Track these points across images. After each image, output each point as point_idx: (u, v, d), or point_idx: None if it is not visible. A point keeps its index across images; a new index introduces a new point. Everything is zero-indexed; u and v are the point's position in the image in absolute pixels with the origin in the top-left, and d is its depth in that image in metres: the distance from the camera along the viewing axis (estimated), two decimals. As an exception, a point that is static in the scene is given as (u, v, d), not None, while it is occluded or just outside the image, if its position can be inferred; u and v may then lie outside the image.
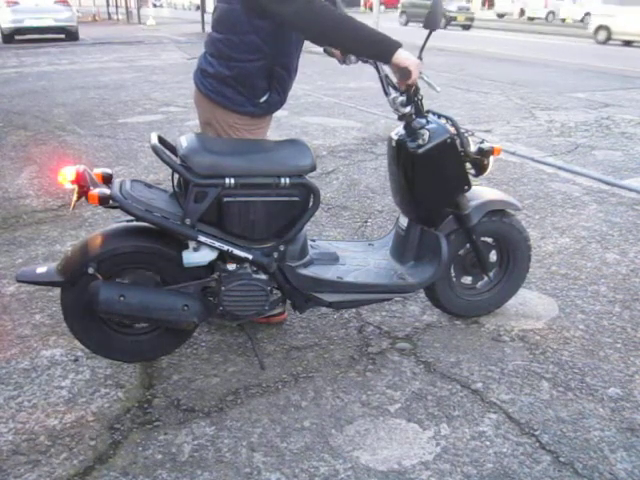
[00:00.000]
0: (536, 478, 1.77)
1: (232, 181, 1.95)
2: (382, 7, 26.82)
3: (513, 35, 19.92)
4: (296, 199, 2.06)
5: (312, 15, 1.93)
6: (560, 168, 4.78)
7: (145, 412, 2.04)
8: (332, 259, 2.33)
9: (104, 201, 1.91)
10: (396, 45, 1.98)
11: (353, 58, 2.30)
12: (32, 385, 2.15)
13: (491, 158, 2.29)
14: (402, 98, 2.13)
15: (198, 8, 27.44)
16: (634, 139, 5.73)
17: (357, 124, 6.21)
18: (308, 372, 2.25)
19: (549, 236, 3.50)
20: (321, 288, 2.20)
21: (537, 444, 1.91)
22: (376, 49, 2.01)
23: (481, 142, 2.30)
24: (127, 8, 25.10)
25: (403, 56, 1.97)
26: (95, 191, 1.90)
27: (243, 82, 2.14)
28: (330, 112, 6.82)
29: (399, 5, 27.13)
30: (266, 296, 2.11)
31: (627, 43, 17.38)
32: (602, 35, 17.73)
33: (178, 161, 2.02)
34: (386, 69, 2.17)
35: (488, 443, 1.91)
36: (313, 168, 2.07)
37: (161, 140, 2.07)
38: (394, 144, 2.29)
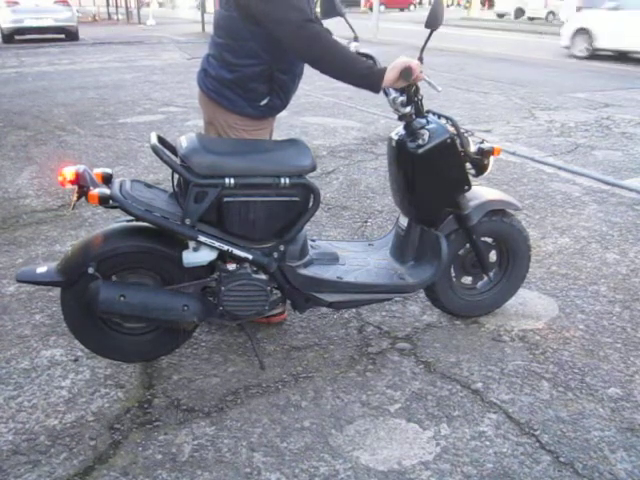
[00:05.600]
0: (536, 478, 1.78)
1: (232, 181, 1.95)
2: (382, 7, 26.80)
3: (512, 35, 19.88)
4: (296, 199, 2.06)
5: (303, 40, 1.97)
6: (560, 168, 4.78)
7: (145, 412, 2.04)
8: (332, 259, 2.33)
9: (104, 201, 1.92)
10: (380, 74, 1.99)
11: None
12: (32, 385, 2.15)
13: (491, 158, 2.29)
14: (402, 98, 2.13)
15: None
16: (634, 139, 5.73)
17: (357, 124, 6.21)
18: (308, 372, 2.25)
19: (549, 236, 3.50)
20: (321, 288, 2.20)
21: (537, 444, 1.91)
22: (363, 83, 2.03)
23: (481, 142, 2.30)
24: (127, 8, 25.06)
25: (392, 75, 1.99)
26: (95, 191, 1.91)
27: (243, 86, 2.14)
28: (330, 112, 6.81)
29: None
30: (266, 296, 2.10)
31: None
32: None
33: (178, 161, 2.02)
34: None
35: (488, 443, 1.91)
36: (313, 168, 2.07)
37: (161, 140, 2.07)
38: (394, 144, 2.29)
